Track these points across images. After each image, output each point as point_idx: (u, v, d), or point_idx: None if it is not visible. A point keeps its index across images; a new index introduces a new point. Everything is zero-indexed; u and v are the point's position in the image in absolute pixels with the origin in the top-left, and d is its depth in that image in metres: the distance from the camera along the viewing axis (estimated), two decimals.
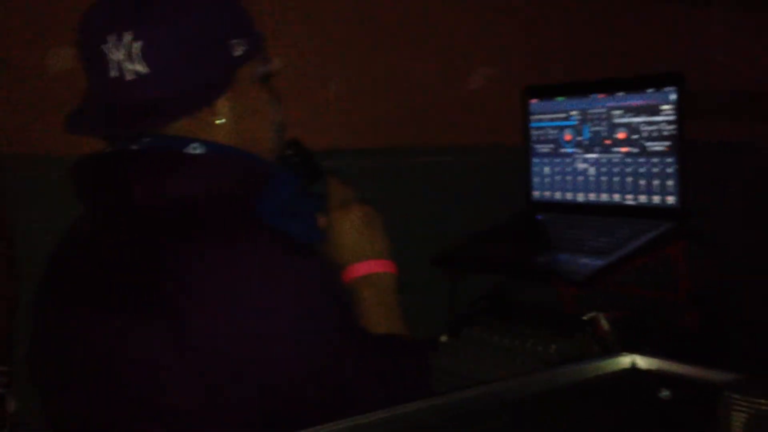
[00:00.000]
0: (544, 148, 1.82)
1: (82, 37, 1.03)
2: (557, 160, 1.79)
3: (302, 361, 0.96)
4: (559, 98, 1.77)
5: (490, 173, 2.18)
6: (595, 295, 1.61)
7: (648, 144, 1.59)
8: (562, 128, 1.77)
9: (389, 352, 1.08)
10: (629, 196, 1.64)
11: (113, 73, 1.00)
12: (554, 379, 0.81)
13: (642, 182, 1.61)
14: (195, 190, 1.00)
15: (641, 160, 1.60)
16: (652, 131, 1.58)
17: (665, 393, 0.75)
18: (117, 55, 0.99)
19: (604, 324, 1.48)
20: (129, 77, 0.99)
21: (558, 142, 1.78)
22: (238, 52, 1.05)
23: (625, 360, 0.83)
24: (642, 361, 0.83)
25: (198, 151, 1.01)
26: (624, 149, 1.64)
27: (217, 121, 1.05)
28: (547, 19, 2.32)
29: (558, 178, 1.79)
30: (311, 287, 0.99)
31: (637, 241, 1.52)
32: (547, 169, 1.81)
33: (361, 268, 1.18)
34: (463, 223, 1.86)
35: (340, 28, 2.04)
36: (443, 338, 1.64)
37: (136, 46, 0.98)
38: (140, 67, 0.99)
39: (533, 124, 1.84)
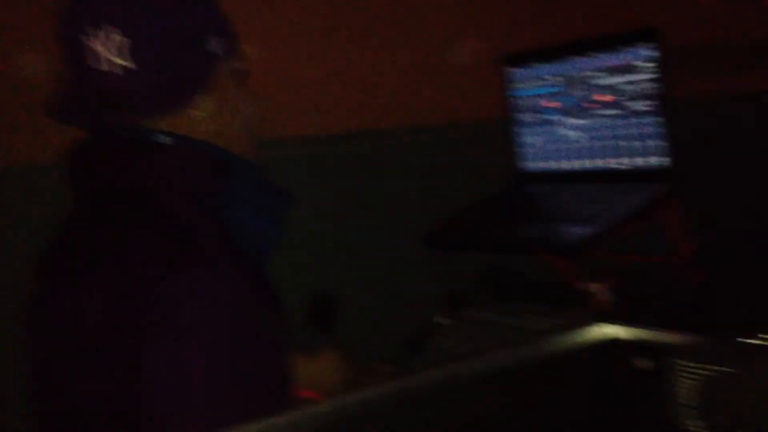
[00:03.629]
0: (528, 117, 1.77)
1: (65, 28, 1.04)
2: (541, 128, 1.74)
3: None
4: (536, 64, 1.72)
5: (476, 147, 2.14)
6: (590, 264, 1.57)
7: (630, 104, 1.54)
8: (542, 95, 1.72)
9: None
10: (617, 160, 1.59)
11: (98, 65, 1.01)
12: (533, 352, 0.77)
13: (629, 144, 1.55)
14: (160, 179, 1.01)
15: (626, 121, 1.55)
16: (633, 91, 1.53)
17: (642, 362, 0.71)
18: (104, 49, 1.00)
19: (601, 294, 1.45)
20: (116, 71, 1.01)
21: (540, 110, 1.73)
22: (216, 48, 1.06)
23: (605, 330, 0.79)
24: (621, 331, 0.79)
25: (166, 142, 1.04)
26: (607, 112, 1.59)
27: (196, 115, 1.06)
28: None
29: (544, 146, 1.74)
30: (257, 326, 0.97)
31: (629, 205, 1.47)
32: (532, 139, 1.77)
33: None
34: (453, 201, 1.82)
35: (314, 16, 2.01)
36: (445, 320, 1.61)
37: (125, 42, 1.00)
38: (127, 63, 1.00)
39: (514, 93, 1.78)
